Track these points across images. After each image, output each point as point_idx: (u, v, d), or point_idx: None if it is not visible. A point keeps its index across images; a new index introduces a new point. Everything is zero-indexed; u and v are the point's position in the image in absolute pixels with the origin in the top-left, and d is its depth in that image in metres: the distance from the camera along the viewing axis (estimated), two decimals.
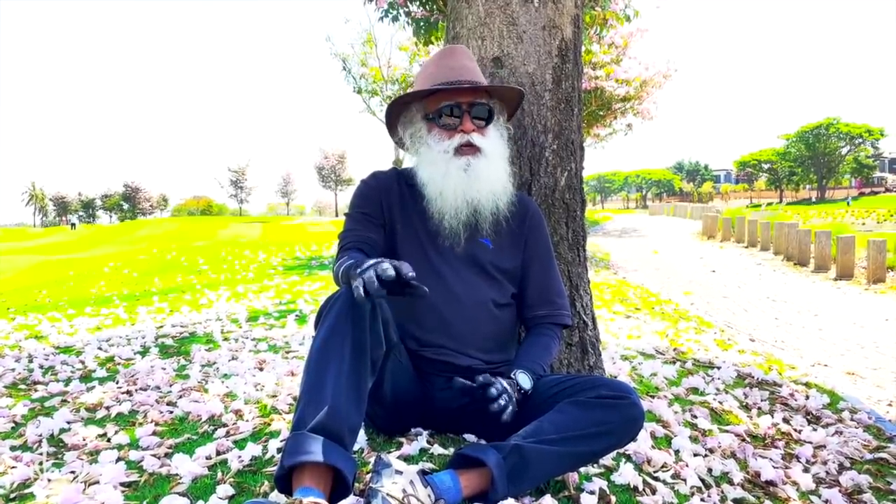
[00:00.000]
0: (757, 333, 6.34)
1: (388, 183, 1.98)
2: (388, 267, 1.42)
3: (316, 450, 1.38)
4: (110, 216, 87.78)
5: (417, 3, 7.50)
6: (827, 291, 9.89)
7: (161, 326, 4.23)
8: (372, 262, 1.47)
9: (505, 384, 1.68)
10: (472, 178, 1.84)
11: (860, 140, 50.44)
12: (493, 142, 1.90)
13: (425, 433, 1.94)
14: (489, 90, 1.95)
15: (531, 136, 2.28)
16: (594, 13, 9.00)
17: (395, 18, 7.73)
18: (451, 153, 1.86)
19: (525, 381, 1.78)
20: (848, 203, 39.66)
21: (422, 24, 7.65)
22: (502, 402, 1.63)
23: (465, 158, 1.85)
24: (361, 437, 1.92)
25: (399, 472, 1.50)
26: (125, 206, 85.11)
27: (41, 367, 3.13)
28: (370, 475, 1.53)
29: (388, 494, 1.42)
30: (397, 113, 2.00)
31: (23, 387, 2.80)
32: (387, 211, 1.94)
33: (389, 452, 1.82)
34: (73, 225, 53.47)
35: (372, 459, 1.73)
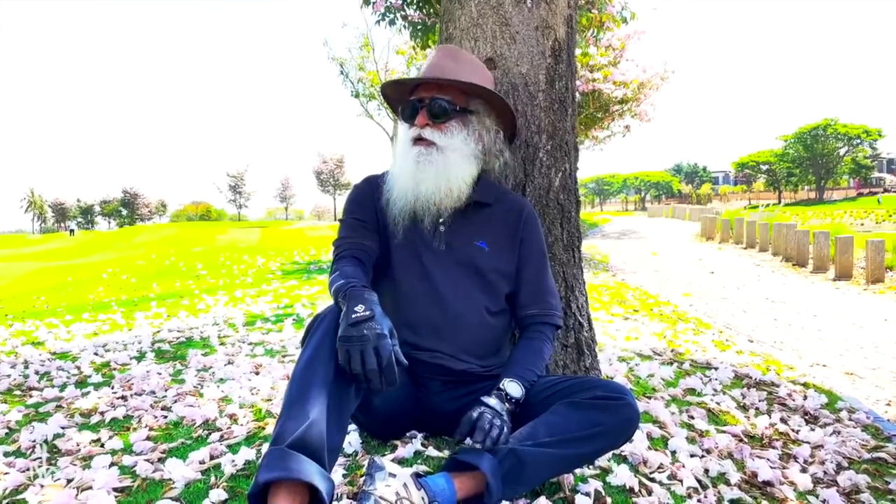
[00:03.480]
0: (756, 334, 6.33)
1: (380, 187, 1.97)
2: (374, 368, 1.46)
3: (293, 466, 1.31)
4: (109, 222, 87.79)
5: (414, 6, 7.51)
6: (826, 292, 9.89)
7: (158, 331, 4.22)
8: (354, 323, 1.49)
9: (486, 412, 1.64)
10: (419, 169, 1.85)
11: (858, 141, 50.41)
12: (455, 139, 1.89)
13: (420, 436, 1.93)
14: (466, 90, 1.92)
15: (525, 136, 2.28)
16: (591, 15, 9.01)
17: (392, 22, 7.75)
18: (409, 143, 1.89)
19: (515, 389, 1.76)
20: (879, 201, 39.15)
21: (418, 27, 7.66)
22: (492, 433, 1.60)
23: (417, 149, 1.87)
24: (355, 440, 1.91)
25: (392, 475, 1.49)
26: (124, 212, 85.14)
27: (37, 372, 3.12)
28: (363, 478, 1.52)
29: (380, 497, 1.41)
30: (394, 108, 2.06)
31: (18, 393, 2.78)
32: (381, 216, 1.93)
33: (383, 455, 1.81)
34: (71, 231, 53.47)
35: (366, 462, 1.73)
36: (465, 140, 1.91)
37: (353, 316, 1.50)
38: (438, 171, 1.85)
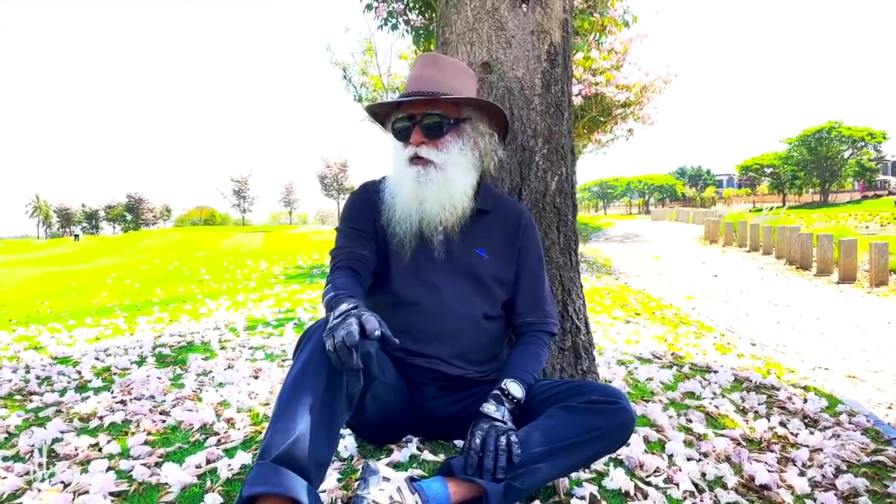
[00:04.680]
0: (758, 337, 6.30)
1: (378, 195, 1.97)
2: (353, 331, 1.38)
3: (278, 481, 1.30)
4: (114, 227, 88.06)
5: (416, 11, 7.54)
6: (829, 295, 9.85)
7: (159, 336, 4.23)
8: (338, 318, 1.46)
9: (488, 434, 1.61)
10: (422, 188, 1.83)
11: (862, 143, 50.13)
12: (451, 154, 1.87)
13: (415, 439, 1.93)
14: (456, 100, 1.90)
15: (521, 140, 2.28)
16: (593, 19, 9.02)
17: (395, 27, 7.77)
18: (406, 163, 1.86)
19: (516, 389, 1.76)
20: None
21: (421, 32, 7.68)
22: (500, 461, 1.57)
23: (416, 168, 1.85)
24: (351, 444, 1.91)
25: (386, 479, 1.49)
26: (128, 217, 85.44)
27: (38, 377, 3.13)
28: (357, 482, 1.52)
29: (374, 501, 1.41)
30: (381, 122, 2.04)
31: (18, 397, 2.79)
32: (378, 223, 1.93)
33: (378, 459, 1.81)
34: (76, 236, 53.75)
35: (360, 466, 1.73)
36: (462, 151, 1.89)
37: (338, 311, 1.49)
38: (440, 188, 1.84)
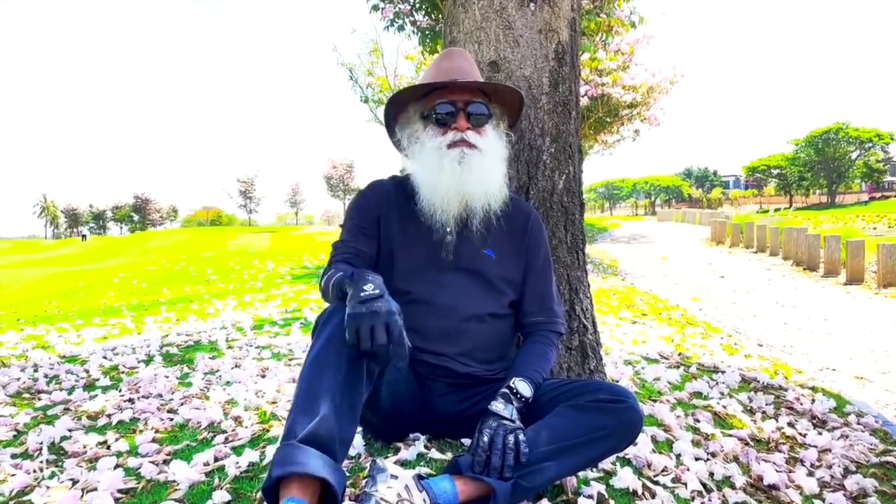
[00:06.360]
0: (765, 338, 6.28)
1: (385, 194, 1.97)
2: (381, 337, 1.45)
3: (304, 460, 1.34)
4: (121, 228, 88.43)
5: (423, 12, 7.54)
6: (836, 296, 9.81)
7: (166, 335, 4.24)
8: (364, 301, 1.49)
9: (497, 432, 1.61)
10: (465, 170, 1.82)
11: (870, 144, 49.89)
12: (491, 141, 1.89)
13: (423, 437, 1.93)
14: (488, 93, 1.95)
15: (528, 139, 2.28)
16: (599, 20, 9.00)
17: (401, 28, 7.77)
18: (445, 147, 1.85)
19: (525, 388, 1.76)
20: None
21: (427, 33, 7.68)
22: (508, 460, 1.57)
23: (458, 150, 1.84)
24: (359, 442, 1.91)
25: (394, 477, 1.49)
26: (135, 218, 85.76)
27: (46, 376, 3.14)
28: (365, 480, 1.52)
29: (382, 499, 1.41)
30: (395, 114, 2.01)
31: (27, 396, 2.81)
32: (384, 223, 1.93)
33: (386, 457, 1.81)
34: (83, 236, 54.01)
35: (368, 464, 1.73)
36: (497, 142, 1.92)
37: (362, 294, 1.51)
38: (483, 173, 1.85)
